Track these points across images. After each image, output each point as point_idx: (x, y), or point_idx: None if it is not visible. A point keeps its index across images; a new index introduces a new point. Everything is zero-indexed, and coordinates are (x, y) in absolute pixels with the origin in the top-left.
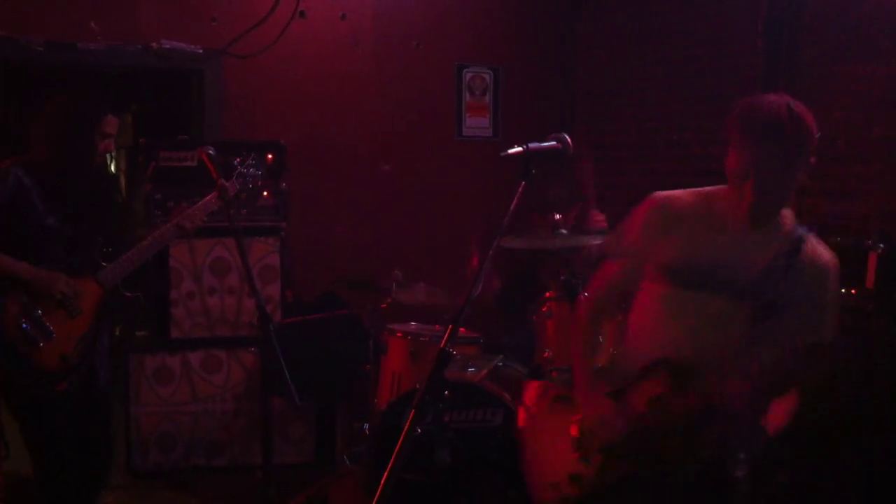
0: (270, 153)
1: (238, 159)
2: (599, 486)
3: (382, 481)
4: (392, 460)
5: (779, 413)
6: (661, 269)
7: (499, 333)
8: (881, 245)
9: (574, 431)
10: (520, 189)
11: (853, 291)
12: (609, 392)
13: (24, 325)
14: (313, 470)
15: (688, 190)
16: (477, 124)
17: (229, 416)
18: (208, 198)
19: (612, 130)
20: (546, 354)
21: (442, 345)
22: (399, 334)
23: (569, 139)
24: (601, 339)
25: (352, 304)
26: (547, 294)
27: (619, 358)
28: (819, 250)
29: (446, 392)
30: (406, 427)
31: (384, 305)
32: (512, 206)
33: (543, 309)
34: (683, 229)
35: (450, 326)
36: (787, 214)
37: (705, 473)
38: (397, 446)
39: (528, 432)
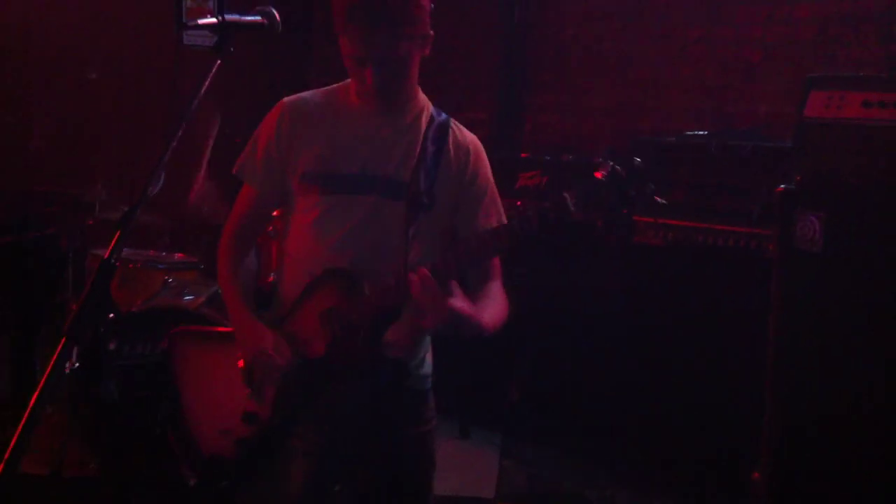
0: None
1: None
2: (276, 420)
3: (24, 418)
4: (36, 393)
5: (492, 312)
6: (306, 178)
7: None
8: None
9: (241, 366)
10: (214, 68)
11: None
12: (271, 321)
13: None
14: (10, 412)
15: (316, 90)
16: (199, 32)
17: None
18: None
19: None
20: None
21: (106, 255)
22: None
23: (277, 15)
24: (250, 267)
25: (55, 225)
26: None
27: (279, 283)
28: (464, 133)
29: (111, 315)
30: (54, 356)
31: (90, 222)
32: (204, 86)
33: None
34: (318, 129)
35: (117, 233)
36: (423, 99)
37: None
38: (42, 379)
39: (182, 375)
